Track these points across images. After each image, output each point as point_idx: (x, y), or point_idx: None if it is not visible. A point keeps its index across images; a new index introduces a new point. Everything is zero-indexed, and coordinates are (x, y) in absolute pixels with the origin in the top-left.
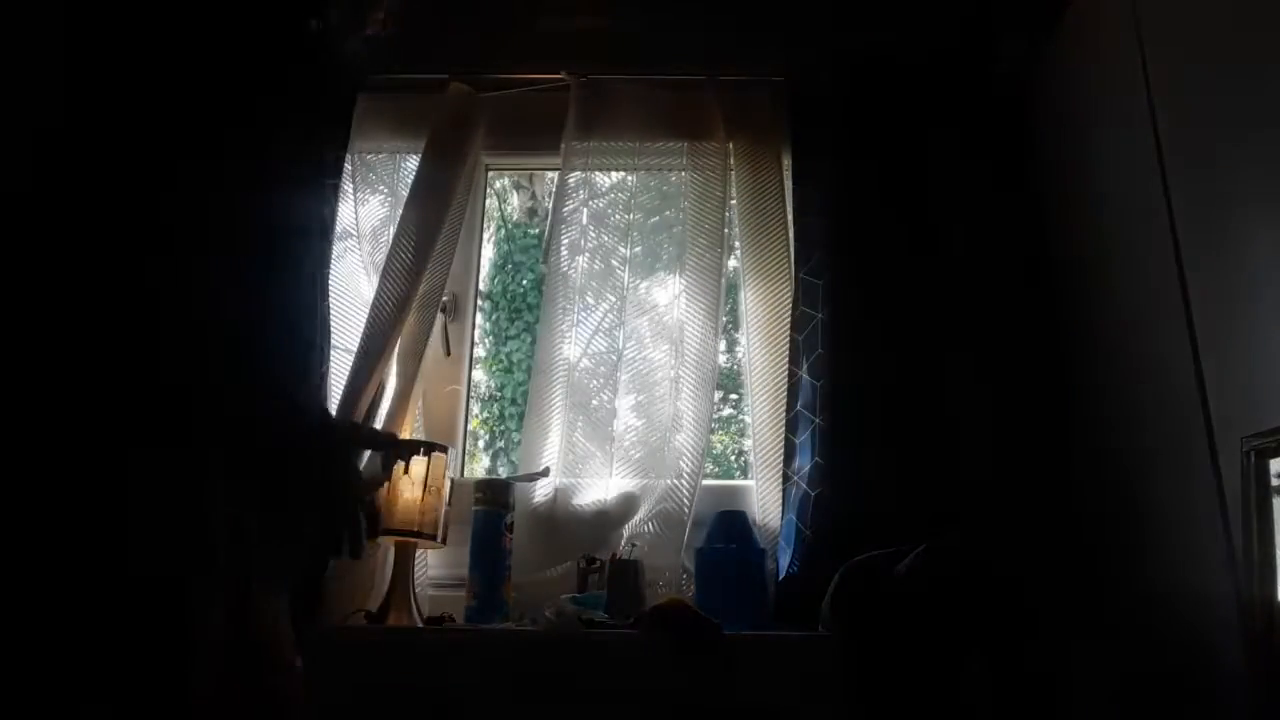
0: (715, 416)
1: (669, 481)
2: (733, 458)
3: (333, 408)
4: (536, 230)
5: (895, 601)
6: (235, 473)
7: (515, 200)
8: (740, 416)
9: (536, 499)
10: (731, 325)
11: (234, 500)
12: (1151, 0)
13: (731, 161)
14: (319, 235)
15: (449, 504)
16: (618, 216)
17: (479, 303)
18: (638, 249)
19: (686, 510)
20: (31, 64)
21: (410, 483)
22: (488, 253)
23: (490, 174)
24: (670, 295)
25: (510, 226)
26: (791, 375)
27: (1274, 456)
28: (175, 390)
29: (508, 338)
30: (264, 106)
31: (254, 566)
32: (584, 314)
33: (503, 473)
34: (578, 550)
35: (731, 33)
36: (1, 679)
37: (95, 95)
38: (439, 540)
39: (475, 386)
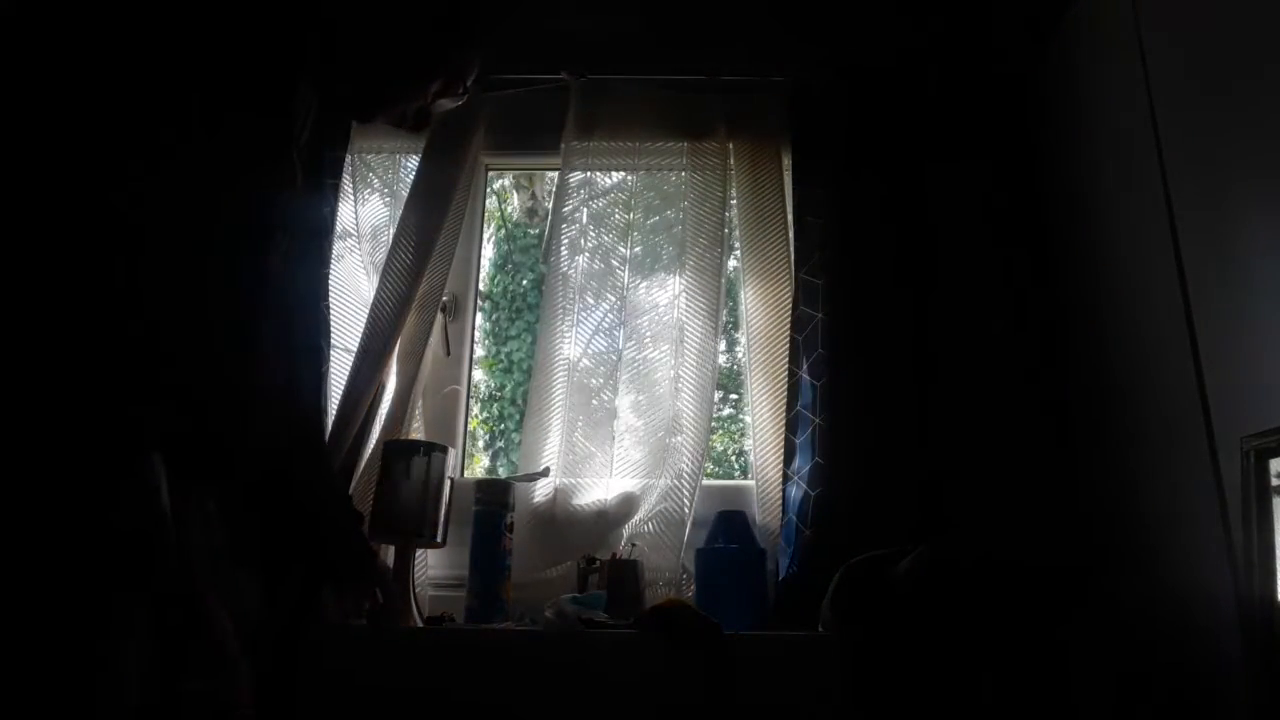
0: (715, 416)
1: (669, 481)
2: (733, 458)
3: (332, 408)
4: (536, 230)
5: (895, 601)
6: (196, 475)
7: (515, 200)
8: (740, 416)
9: (536, 499)
10: (731, 325)
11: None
12: (1152, 0)
13: (732, 161)
14: (319, 234)
15: (449, 504)
16: (618, 216)
17: (479, 303)
18: (638, 249)
19: (686, 510)
20: None
21: (410, 483)
22: (488, 253)
23: (490, 174)
24: (670, 295)
25: (510, 226)
26: (791, 375)
27: (1274, 456)
28: (154, 394)
29: (508, 338)
30: (261, 105)
31: (195, 569)
32: (584, 314)
33: (503, 473)
34: (578, 550)
35: (732, 32)
36: None
37: (69, 77)
38: (439, 540)
39: (475, 386)
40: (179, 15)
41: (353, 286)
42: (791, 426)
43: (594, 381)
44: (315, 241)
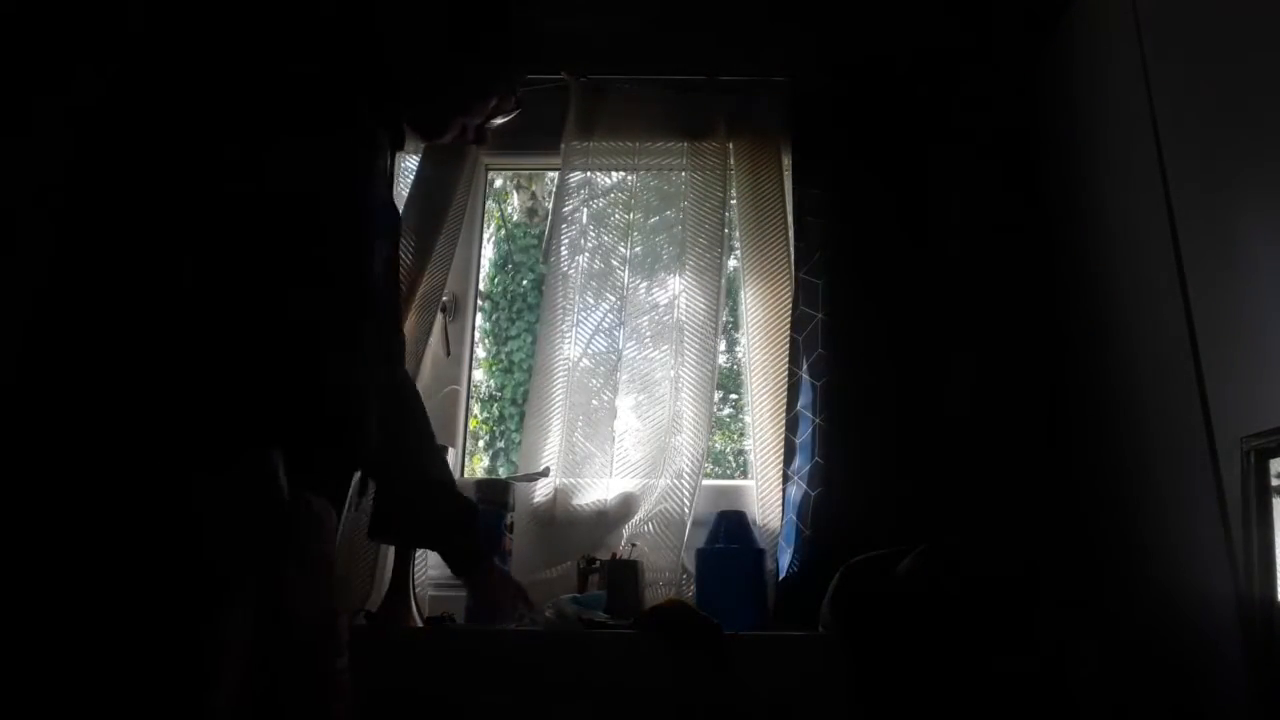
0: (715, 416)
1: (669, 481)
2: (733, 458)
3: None
4: (536, 230)
5: (895, 602)
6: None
7: (515, 200)
8: (740, 416)
9: (536, 499)
10: (731, 325)
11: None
12: (1152, 0)
13: (732, 161)
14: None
15: None
16: (618, 216)
17: (479, 303)
18: (638, 249)
19: (686, 510)
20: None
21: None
22: (488, 253)
23: (490, 174)
24: (670, 295)
25: (510, 226)
26: (791, 375)
27: (1274, 456)
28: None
29: (508, 338)
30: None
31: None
32: (584, 314)
33: (503, 473)
34: (578, 550)
35: (732, 32)
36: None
37: (150, 79)
38: None
39: (475, 386)
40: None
41: None
42: (791, 426)
43: (594, 381)
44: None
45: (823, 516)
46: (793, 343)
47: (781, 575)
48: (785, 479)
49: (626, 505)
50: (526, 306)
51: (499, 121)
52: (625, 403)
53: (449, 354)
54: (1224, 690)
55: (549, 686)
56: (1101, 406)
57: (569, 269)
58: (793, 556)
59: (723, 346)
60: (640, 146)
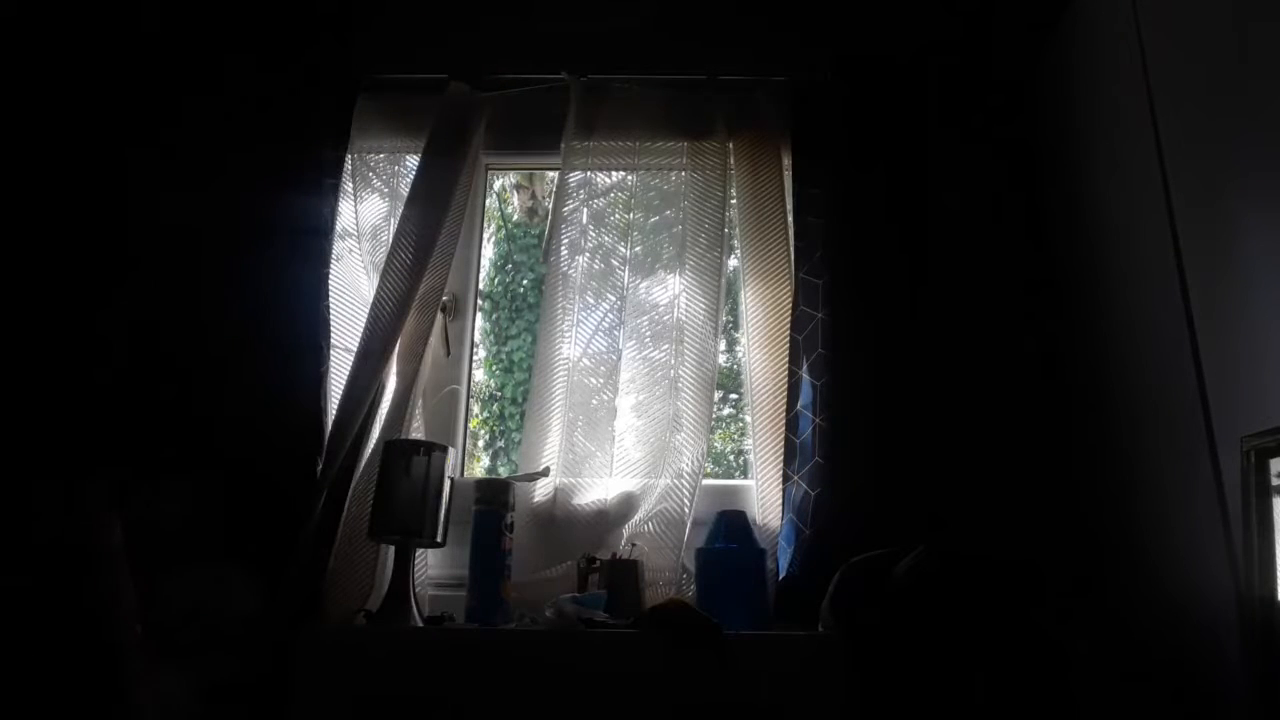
0: (715, 416)
1: (669, 481)
2: (733, 458)
3: (332, 408)
4: (536, 230)
5: (895, 602)
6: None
7: (515, 200)
8: (740, 416)
9: (536, 499)
10: (731, 325)
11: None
12: (1152, 0)
13: (732, 161)
14: (319, 234)
15: (449, 504)
16: (618, 216)
17: (479, 303)
18: (638, 249)
19: (686, 510)
20: None
21: (410, 482)
22: (488, 253)
23: (490, 174)
24: (670, 295)
25: (510, 226)
26: (791, 375)
27: (1274, 456)
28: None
29: (508, 338)
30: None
31: None
32: (584, 313)
33: (503, 473)
34: (578, 550)
35: (732, 32)
36: None
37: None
38: (439, 540)
39: (475, 386)
40: None
41: (353, 286)
42: (791, 426)
43: (594, 381)
44: (320, 241)
45: (823, 516)
46: (793, 343)
47: (781, 575)
48: (785, 479)
49: (626, 505)
50: (526, 306)
51: None
52: (625, 402)
53: (449, 354)
54: (1224, 690)
55: (549, 687)
56: (1102, 406)
57: (569, 269)
58: (793, 556)
59: (723, 346)
60: (640, 146)
